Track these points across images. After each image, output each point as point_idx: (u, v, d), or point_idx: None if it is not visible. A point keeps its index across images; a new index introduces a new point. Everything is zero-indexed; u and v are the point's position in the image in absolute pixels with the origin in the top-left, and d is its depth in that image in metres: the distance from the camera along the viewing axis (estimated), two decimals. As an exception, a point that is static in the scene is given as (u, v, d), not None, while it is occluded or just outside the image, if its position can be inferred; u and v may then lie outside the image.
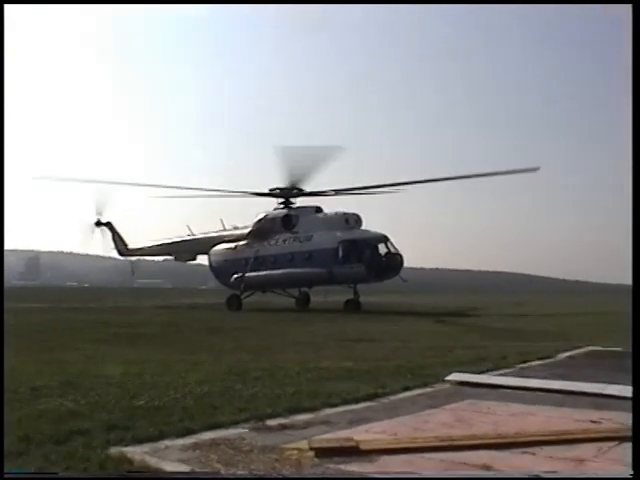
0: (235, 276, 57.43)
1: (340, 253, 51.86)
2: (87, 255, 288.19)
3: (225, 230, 63.10)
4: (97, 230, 69.51)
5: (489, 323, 36.64)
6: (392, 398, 11.74)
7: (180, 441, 8.52)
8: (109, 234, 70.41)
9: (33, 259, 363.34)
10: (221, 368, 15.08)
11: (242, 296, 57.33)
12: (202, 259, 65.43)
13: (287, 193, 56.04)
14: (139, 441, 8.34)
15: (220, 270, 60.87)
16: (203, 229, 65.75)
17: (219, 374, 14.00)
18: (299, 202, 56.93)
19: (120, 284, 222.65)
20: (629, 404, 10.80)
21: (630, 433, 8.54)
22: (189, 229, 66.25)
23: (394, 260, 52.47)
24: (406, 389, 12.46)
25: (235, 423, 9.45)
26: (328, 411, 10.48)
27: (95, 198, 67.90)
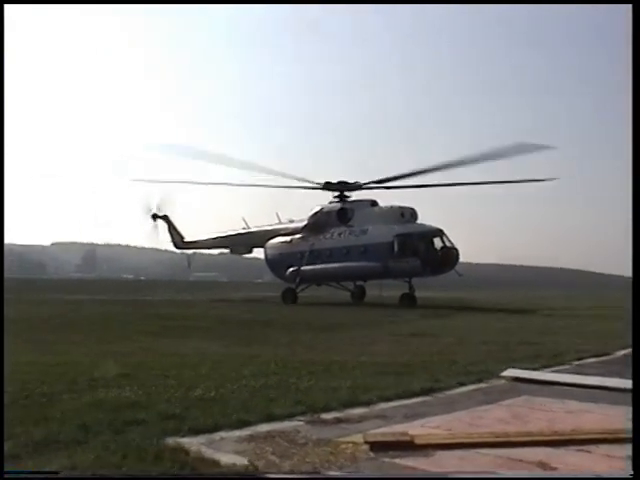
0: (291, 269, 57.68)
1: (395, 247, 51.74)
2: (143, 248, 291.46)
3: (281, 223, 63.38)
4: (154, 223, 70.04)
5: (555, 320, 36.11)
6: (447, 393, 11.74)
7: (236, 433, 8.60)
8: (165, 227, 71.11)
9: (90, 252, 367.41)
10: (277, 361, 15.13)
11: (297, 289, 57.52)
12: (258, 252, 65.61)
13: (342, 187, 56.13)
14: (195, 432, 8.43)
15: (275, 263, 61.23)
16: (259, 223, 66.20)
17: (274, 367, 14.07)
18: (354, 196, 57.00)
19: (176, 277, 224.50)
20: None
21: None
22: (245, 222, 66.61)
23: (450, 254, 52.01)
24: (461, 384, 12.44)
25: (291, 416, 9.51)
26: (383, 405, 10.50)
27: (152, 192, 68.86)
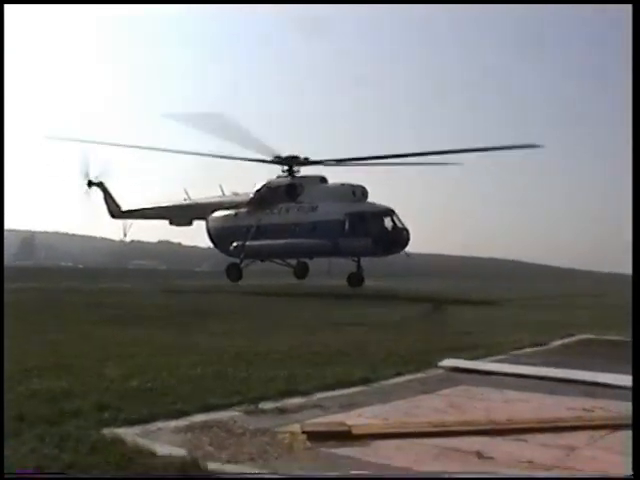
0: (235, 244, 56.57)
1: (347, 225, 50.86)
2: (82, 236, 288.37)
3: (224, 196, 61.49)
4: (88, 190, 67.33)
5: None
6: (384, 383, 11.76)
7: (172, 423, 8.54)
8: (101, 196, 67.74)
9: (28, 239, 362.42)
10: (214, 351, 15.06)
11: (242, 265, 57.24)
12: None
13: (291, 161, 55.23)
14: (131, 423, 8.36)
15: (219, 237, 59.57)
16: (201, 194, 64.38)
17: (212, 357, 14.00)
18: (303, 171, 56.36)
19: (115, 265, 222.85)
20: (621, 392, 10.87)
21: (623, 421, 8.58)
22: (186, 193, 64.37)
23: (401, 234, 51.62)
24: (399, 374, 12.46)
25: (228, 406, 9.46)
26: (320, 395, 10.49)
27: (87, 158, 65.66)
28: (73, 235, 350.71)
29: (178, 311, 30.65)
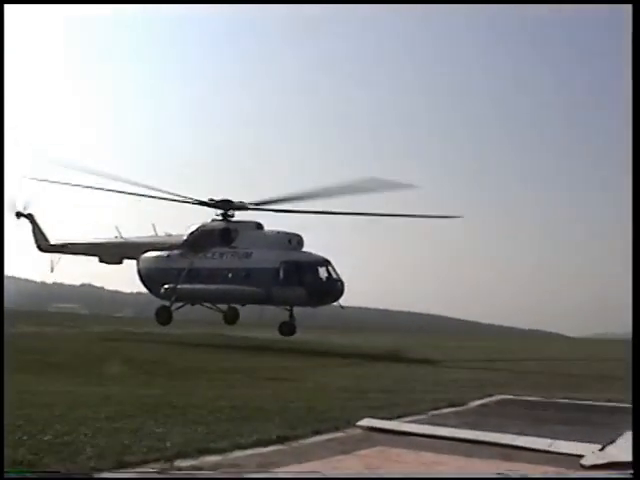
0: (166, 286, 55.09)
1: (281, 274, 50.64)
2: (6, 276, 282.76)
3: (157, 236, 60.03)
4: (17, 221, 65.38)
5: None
6: (302, 442, 11.73)
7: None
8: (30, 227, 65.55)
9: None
10: (132, 403, 14.91)
11: (172, 308, 56.12)
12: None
13: (227, 205, 54.53)
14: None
15: (150, 278, 58.16)
16: (132, 233, 62.95)
17: (130, 409, 13.85)
18: (238, 216, 55.65)
19: (35, 307, 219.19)
20: (538, 455, 11.01)
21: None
22: (117, 230, 62.71)
23: (335, 286, 51.09)
24: (317, 433, 12.45)
25: (144, 463, 9.35)
26: (238, 453, 10.43)
27: (15, 188, 63.90)
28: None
29: (96, 359, 30.23)
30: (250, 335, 62.47)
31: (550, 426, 14.28)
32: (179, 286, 54.23)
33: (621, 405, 18.12)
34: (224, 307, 58.89)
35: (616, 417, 16.01)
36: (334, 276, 51.22)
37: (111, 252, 62.09)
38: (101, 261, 63.48)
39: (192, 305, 58.51)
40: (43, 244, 65.45)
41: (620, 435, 12.50)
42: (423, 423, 14.32)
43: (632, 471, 7.13)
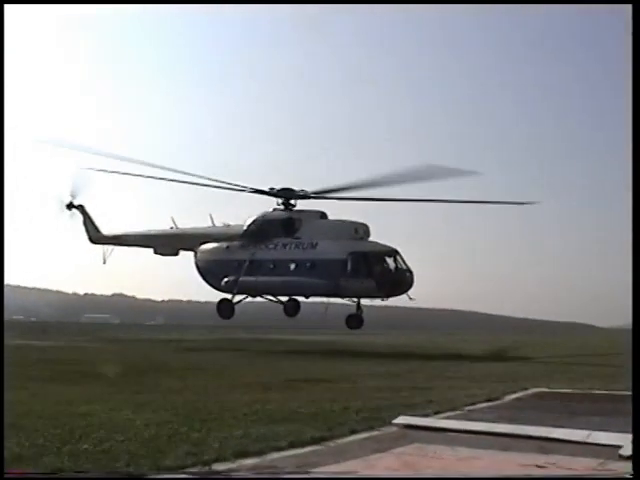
0: (226, 279, 52.90)
1: (349, 265, 48.69)
2: (33, 288, 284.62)
3: (214, 227, 57.62)
4: (70, 213, 63.82)
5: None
6: (339, 441, 11.73)
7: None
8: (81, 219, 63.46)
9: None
10: (168, 410, 14.95)
11: (234, 300, 54.01)
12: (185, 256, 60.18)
13: (289, 194, 52.60)
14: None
15: (209, 271, 55.66)
16: (188, 223, 60.79)
17: (166, 416, 13.90)
18: (299, 206, 53.74)
19: (67, 318, 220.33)
20: (575, 447, 10.96)
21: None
22: (173, 221, 60.66)
23: (405, 277, 49.75)
24: (353, 432, 12.44)
25: (182, 467, 9.38)
26: (275, 455, 10.44)
27: (70, 179, 61.78)
28: (24, 287, 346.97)
29: (131, 367, 30.28)
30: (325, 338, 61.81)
31: (587, 417, 14.22)
32: (241, 278, 52.17)
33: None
34: (284, 299, 57.14)
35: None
36: (403, 267, 49.77)
37: (167, 243, 60.21)
38: (156, 252, 61.69)
39: (253, 297, 56.29)
40: (95, 235, 63.74)
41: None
42: (458, 419, 14.31)
43: (632, 472, 7.07)
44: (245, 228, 54.38)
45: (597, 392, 19.79)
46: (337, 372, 28.04)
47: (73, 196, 62.98)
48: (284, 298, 56.45)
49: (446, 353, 47.89)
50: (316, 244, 50.67)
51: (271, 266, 51.49)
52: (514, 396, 18.85)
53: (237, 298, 54.46)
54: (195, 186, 53.92)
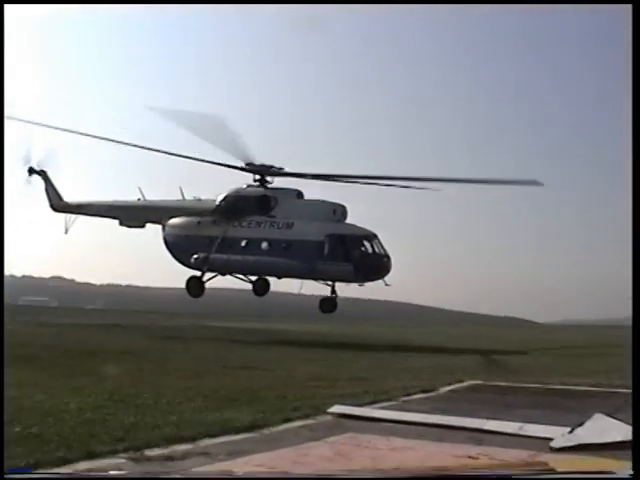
0: (196, 255, 50.36)
1: (326, 248, 46.99)
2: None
3: (185, 200, 54.71)
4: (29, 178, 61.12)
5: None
6: (273, 429, 11.72)
7: (55, 470, 8.37)
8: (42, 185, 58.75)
9: None
10: (102, 394, 14.82)
11: (204, 278, 51.39)
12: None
13: (264, 170, 49.83)
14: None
15: (177, 246, 52.90)
16: (154, 195, 57.51)
17: (99, 400, 13.78)
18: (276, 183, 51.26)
19: (5, 300, 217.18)
20: (507, 439, 11.06)
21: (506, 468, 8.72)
22: (140, 192, 57.30)
23: (383, 262, 48.19)
24: (287, 420, 12.44)
25: (113, 453, 9.31)
26: (208, 442, 10.41)
27: (29, 142, 59.35)
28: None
29: (65, 351, 29.98)
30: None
31: (520, 410, 14.35)
32: (212, 256, 49.98)
33: (590, 389, 18.35)
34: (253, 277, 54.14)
35: (586, 402, 16.13)
36: (382, 251, 48.43)
37: (134, 215, 56.63)
38: (121, 224, 58.41)
39: (222, 275, 52.81)
40: (57, 203, 60.38)
41: (589, 418, 12.57)
42: (393, 409, 14.36)
43: (632, 471, 7.14)
44: (217, 203, 51.93)
45: (532, 385, 19.96)
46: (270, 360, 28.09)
47: (33, 161, 59.25)
48: (254, 277, 53.64)
49: (384, 344, 48.07)
50: (292, 224, 48.94)
51: (244, 244, 49.78)
52: (449, 388, 18.95)
53: (207, 276, 51.91)
54: (165, 157, 50.37)
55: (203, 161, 47.99)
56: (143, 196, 56.79)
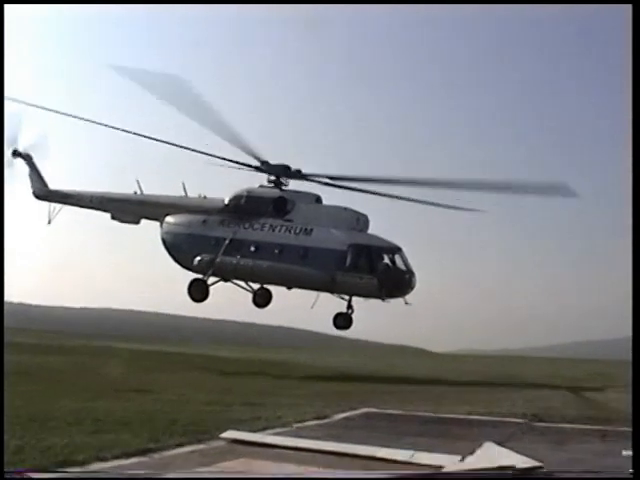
0: (199, 257, 46.33)
1: (349, 259, 43.35)
2: None
3: (188, 198, 50.50)
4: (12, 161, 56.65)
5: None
6: (164, 454, 11.61)
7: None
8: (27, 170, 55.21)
9: None
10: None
11: (208, 281, 46.61)
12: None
13: (281, 170, 46.56)
14: None
15: (178, 246, 48.63)
16: (153, 189, 52.91)
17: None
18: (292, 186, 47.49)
19: None
20: (399, 467, 11.17)
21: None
22: (138, 185, 52.17)
23: (408, 278, 44.15)
24: (179, 445, 12.34)
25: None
26: (97, 466, 10.26)
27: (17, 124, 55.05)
28: None
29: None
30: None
31: (412, 438, 14.49)
32: (219, 258, 45.89)
33: (480, 418, 18.66)
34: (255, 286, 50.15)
35: (475, 430, 16.38)
36: (407, 267, 44.56)
37: (128, 209, 51.98)
38: (113, 218, 53.36)
39: (225, 281, 48.50)
40: (40, 190, 55.54)
41: (480, 446, 12.78)
42: (287, 435, 14.35)
43: (632, 470, 7.28)
44: (227, 202, 47.98)
45: (424, 414, 20.15)
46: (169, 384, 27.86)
47: (18, 143, 55.18)
48: (256, 286, 49.57)
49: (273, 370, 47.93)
50: (311, 230, 44.99)
51: (254, 248, 45.64)
52: (343, 415, 19.02)
53: (211, 279, 47.06)
54: (167, 153, 45.01)
55: (212, 156, 43.85)
56: (141, 190, 51.96)
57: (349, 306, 46.30)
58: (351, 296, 45.82)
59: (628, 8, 12.45)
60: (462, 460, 11.71)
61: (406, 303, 44.91)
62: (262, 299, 49.35)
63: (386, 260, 43.50)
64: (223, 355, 66.26)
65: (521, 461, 11.52)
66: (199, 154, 43.08)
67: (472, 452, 12.29)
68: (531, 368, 68.46)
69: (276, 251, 44.54)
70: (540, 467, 11.21)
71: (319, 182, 45.93)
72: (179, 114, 40.43)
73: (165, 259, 48.38)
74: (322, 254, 43.64)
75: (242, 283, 48.85)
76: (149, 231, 50.08)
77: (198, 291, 46.43)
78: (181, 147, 43.64)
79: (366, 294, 44.34)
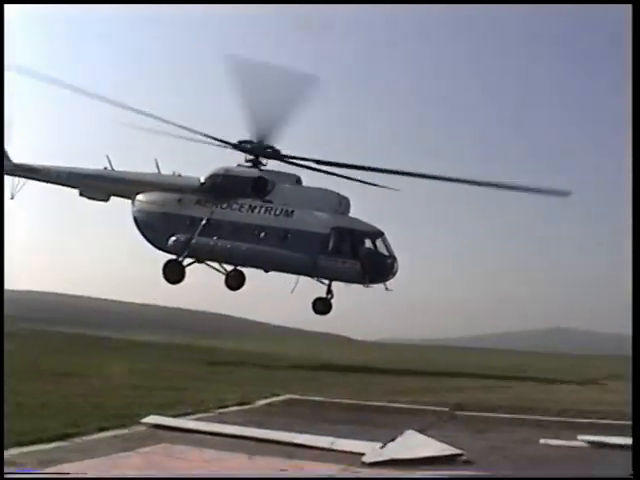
0: (174, 238, 44.52)
1: (331, 242, 42.14)
2: None
3: (162, 175, 48.01)
4: None
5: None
6: (85, 438, 11.59)
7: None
8: None
9: None
10: None
11: (184, 262, 44.89)
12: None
13: (260, 150, 44.68)
14: None
15: (151, 225, 46.71)
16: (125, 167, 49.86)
17: None
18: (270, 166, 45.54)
19: None
20: (319, 453, 11.29)
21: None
22: (108, 160, 49.47)
23: (391, 263, 43.02)
24: (101, 430, 12.32)
25: None
26: (14, 451, 10.21)
27: None
28: None
29: None
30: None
31: (333, 425, 14.61)
32: (195, 239, 44.22)
33: (401, 406, 18.88)
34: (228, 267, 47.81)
35: (396, 417, 16.57)
36: (390, 252, 43.53)
37: (98, 185, 49.12)
38: (82, 195, 50.37)
39: (199, 262, 46.31)
40: (4, 164, 50.46)
41: (401, 434, 12.96)
42: (210, 421, 14.40)
43: (632, 471, 7.42)
44: (203, 181, 46.13)
45: (345, 401, 20.28)
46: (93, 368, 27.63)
47: None
48: (229, 267, 47.28)
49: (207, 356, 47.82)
50: (292, 212, 43.66)
51: (233, 230, 43.98)
52: (265, 401, 19.11)
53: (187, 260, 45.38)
54: (140, 125, 41.63)
55: (190, 130, 42.12)
56: (111, 166, 49.23)
57: (329, 291, 45.23)
58: (331, 281, 44.84)
59: (628, 8, 12.64)
60: (383, 447, 11.87)
61: (387, 289, 44.43)
62: (235, 281, 47.81)
63: (368, 244, 42.80)
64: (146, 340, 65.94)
65: (441, 449, 11.73)
66: (174, 128, 41.19)
67: (393, 439, 12.46)
68: (454, 358, 69.15)
69: (256, 232, 43.26)
70: (460, 455, 11.44)
71: (299, 165, 44.84)
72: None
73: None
74: (304, 237, 42.71)
75: (216, 265, 47.01)
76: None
77: (174, 272, 45.10)
78: (155, 118, 41.21)
79: (348, 279, 43.59)
